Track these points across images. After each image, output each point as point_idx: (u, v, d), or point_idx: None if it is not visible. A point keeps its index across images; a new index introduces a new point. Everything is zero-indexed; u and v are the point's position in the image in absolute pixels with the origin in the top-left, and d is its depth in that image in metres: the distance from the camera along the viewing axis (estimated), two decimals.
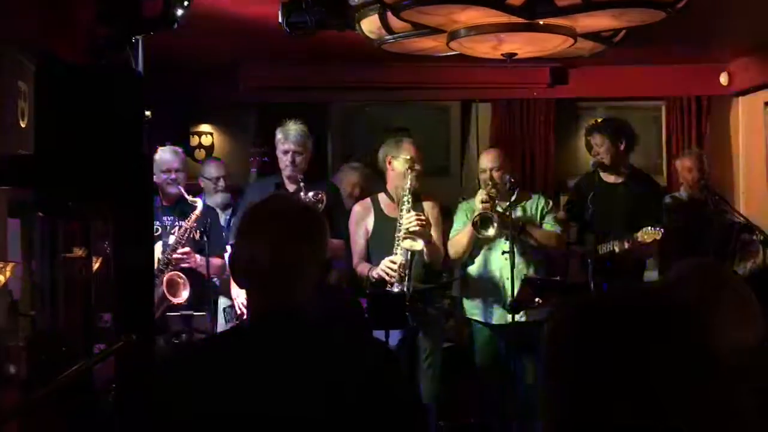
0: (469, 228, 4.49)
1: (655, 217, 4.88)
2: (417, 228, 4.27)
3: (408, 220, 4.29)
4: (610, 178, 4.80)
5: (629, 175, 4.94)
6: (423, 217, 4.30)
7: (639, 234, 4.62)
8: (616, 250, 4.66)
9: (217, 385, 1.57)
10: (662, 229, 4.60)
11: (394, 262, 4.23)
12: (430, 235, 4.37)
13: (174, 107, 6.18)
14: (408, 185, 4.38)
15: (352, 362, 1.63)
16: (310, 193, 4.31)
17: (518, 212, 4.61)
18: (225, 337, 1.98)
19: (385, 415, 1.59)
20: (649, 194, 5.03)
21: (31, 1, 4.24)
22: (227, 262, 4.31)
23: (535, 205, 4.66)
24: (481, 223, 4.37)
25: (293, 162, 4.46)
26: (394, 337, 4.19)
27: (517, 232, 4.45)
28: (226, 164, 5.76)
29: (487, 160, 4.62)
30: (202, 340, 3.51)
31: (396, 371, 1.72)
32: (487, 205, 4.40)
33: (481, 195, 4.46)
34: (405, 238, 4.27)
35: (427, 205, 4.47)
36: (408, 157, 4.44)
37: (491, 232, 4.39)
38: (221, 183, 5.51)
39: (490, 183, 4.49)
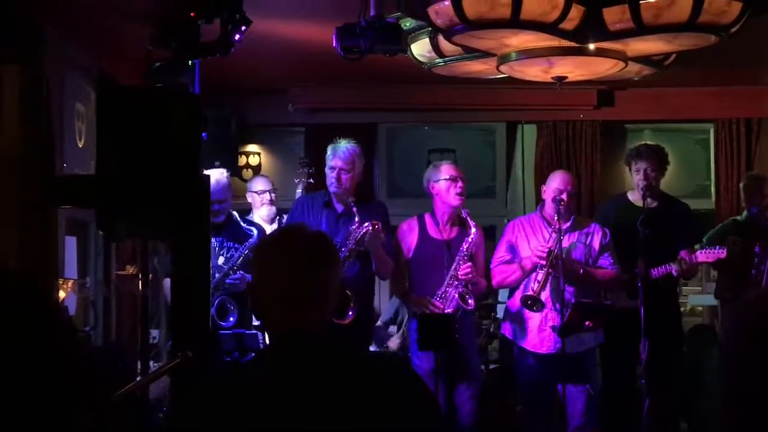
0: (518, 271, 4.49)
1: (692, 238, 4.85)
2: (469, 278, 4.38)
3: (465, 272, 4.38)
4: (645, 201, 4.75)
5: (660, 198, 4.92)
6: (473, 274, 4.40)
7: (701, 254, 4.59)
8: (673, 272, 4.63)
9: (239, 415, 1.60)
10: (725, 249, 4.56)
11: (437, 307, 4.36)
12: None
13: (222, 127, 6.29)
14: (455, 204, 4.45)
15: (376, 384, 1.65)
16: (366, 224, 4.30)
17: (577, 246, 4.52)
18: (246, 366, 2.00)
19: None
20: (685, 216, 4.99)
21: (89, 25, 4.37)
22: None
23: (591, 235, 4.56)
24: (532, 302, 4.36)
25: (338, 179, 4.46)
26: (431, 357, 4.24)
27: (575, 279, 4.41)
28: (273, 180, 5.84)
29: (558, 181, 4.53)
30: (224, 372, 3.54)
31: (422, 391, 1.73)
32: (543, 256, 4.36)
33: (537, 250, 4.40)
34: (459, 293, 4.38)
35: (473, 232, 4.47)
36: (447, 177, 4.49)
37: (542, 306, 4.37)
38: (267, 196, 5.57)
39: (555, 203, 4.43)
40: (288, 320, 1.69)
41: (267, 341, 4.60)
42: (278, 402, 1.60)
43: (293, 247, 1.74)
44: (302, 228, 1.86)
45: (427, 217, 4.61)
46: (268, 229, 5.23)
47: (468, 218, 4.46)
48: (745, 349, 1.66)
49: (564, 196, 4.41)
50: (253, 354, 4.24)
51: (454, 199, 4.49)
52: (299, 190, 5.61)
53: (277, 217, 5.65)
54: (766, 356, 1.63)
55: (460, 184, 4.49)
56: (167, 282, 4.51)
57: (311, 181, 5.64)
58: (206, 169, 4.74)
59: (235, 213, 4.71)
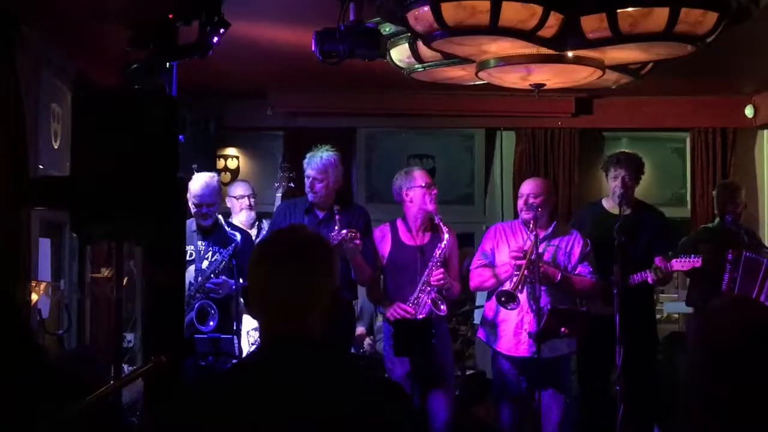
0: (492, 276, 4.51)
1: (667, 245, 4.89)
2: (442, 284, 4.39)
3: (437, 278, 4.38)
4: (621, 209, 4.78)
5: (635, 206, 4.96)
6: (446, 280, 4.40)
7: (676, 262, 4.63)
8: (649, 280, 4.66)
9: (230, 417, 1.59)
10: (700, 258, 4.60)
11: (408, 312, 4.37)
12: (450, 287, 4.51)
13: (201, 130, 6.26)
14: (430, 209, 4.47)
15: (361, 393, 1.65)
16: (344, 231, 4.30)
17: (556, 252, 4.52)
18: (238, 367, 2.00)
19: None
20: (660, 224, 5.03)
21: (66, 25, 4.33)
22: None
23: (572, 243, 4.57)
24: (506, 298, 4.37)
25: (312, 188, 4.48)
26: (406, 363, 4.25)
27: (553, 285, 4.43)
28: (252, 185, 5.82)
29: (526, 186, 4.59)
30: (215, 373, 3.52)
31: (405, 405, 1.74)
32: (521, 262, 4.37)
33: (512, 253, 4.42)
34: (432, 299, 4.38)
35: (446, 238, 4.48)
36: (423, 184, 4.50)
37: (516, 305, 4.38)
38: (246, 201, 5.56)
39: (529, 208, 4.46)
40: (281, 323, 1.68)
41: (241, 346, 4.59)
42: (265, 405, 1.59)
43: (288, 249, 1.72)
44: (300, 230, 1.85)
45: (399, 223, 4.62)
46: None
47: (440, 223, 4.47)
48: (709, 355, 1.68)
49: (531, 200, 4.44)
50: (232, 359, 4.23)
51: (429, 205, 4.51)
52: (279, 195, 5.61)
53: (257, 222, 5.64)
54: (728, 361, 1.65)
55: (434, 191, 4.51)
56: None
57: (292, 185, 5.65)
58: (184, 171, 4.73)
59: (220, 217, 4.71)
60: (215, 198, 4.69)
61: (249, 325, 4.98)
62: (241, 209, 5.57)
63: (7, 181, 2.77)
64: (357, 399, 1.63)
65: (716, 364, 1.55)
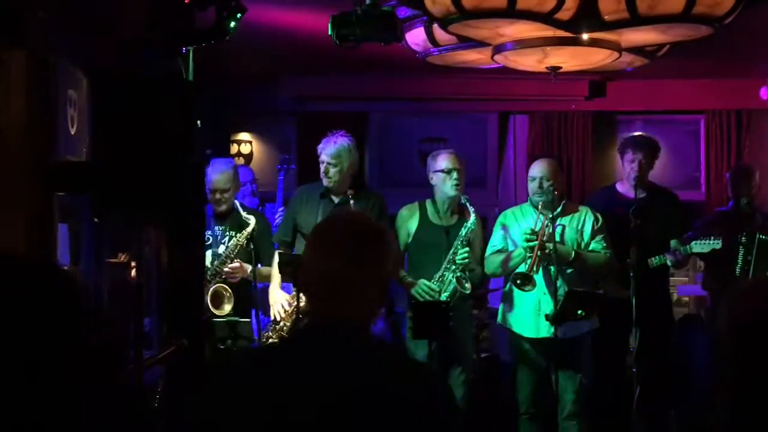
0: (507, 257, 4.52)
1: (683, 228, 4.88)
2: (466, 263, 4.41)
3: (462, 256, 4.40)
4: (636, 192, 4.77)
5: (649, 189, 4.95)
6: (470, 259, 4.42)
7: (695, 245, 4.64)
8: (668, 263, 4.66)
9: (267, 396, 1.61)
10: (720, 240, 4.60)
11: (434, 290, 4.39)
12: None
13: (214, 115, 6.27)
14: (451, 194, 4.47)
15: (400, 380, 1.67)
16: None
17: (565, 230, 4.54)
18: (280, 347, 2.01)
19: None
20: (675, 207, 5.03)
21: (82, 10, 4.33)
22: (276, 268, 4.39)
23: (583, 220, 4.60)
24: (521, 281, 4.38)
25: (326, 173, 4.50)
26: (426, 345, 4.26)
27: (568, 263, 4.43)
28: (254, 171, 5.87)
29: (537, 169, 4.60)
30: (257, 349, 3.54)
31: (436, 392, 1.76)
32: (534, 242, 4.36)
33: (526, 235, 4.43)
34: (456, 278, 4.41)
35: (471, 223, 4.50)
36: (442, 168, 4.53)
37: (532, 287, 4.39)
38: (247, 188, 5.59)
39: (539, 191, 4.47)
40: (329, 306, 1.70)
41: (262, 329, 4.61)
42: (305, 388, 1.61)
43: (347, 234, 1.72)
44: (360, 216, 1.86)
45: (428, 204, 4.66)
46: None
47: (468, 204, 4.50)
48: (739, 339, 1.68)
49: (545, 184, 4.46)
50: (251, 343, 4.26)
51: (450, 190, 4.53)
52: (281, 177, 5.66)
53: (259, 208, 5.66)
54: (760, 346, 1.66)
55: (454, 175, 4.51)
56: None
57: (293, 167, 5.70)
58: (199, 156, 4.74)
59: (236, 202, 4.73)
60: (229, 184, 4.70)
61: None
62: (243, 195, 5.60)
63: (32, 167, 2.79)
64: (398, 388, 1.64)
65: (745, 347, 1.55)
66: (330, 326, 1.69)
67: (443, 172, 4.54)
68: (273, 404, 1.60)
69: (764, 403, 1.58)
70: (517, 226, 4.60)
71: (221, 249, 4.61)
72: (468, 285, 4.45)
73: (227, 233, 4.66)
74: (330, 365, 1.63)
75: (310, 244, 1.78)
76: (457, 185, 4.52)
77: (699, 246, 4.66)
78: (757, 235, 4.86)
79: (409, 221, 4.63)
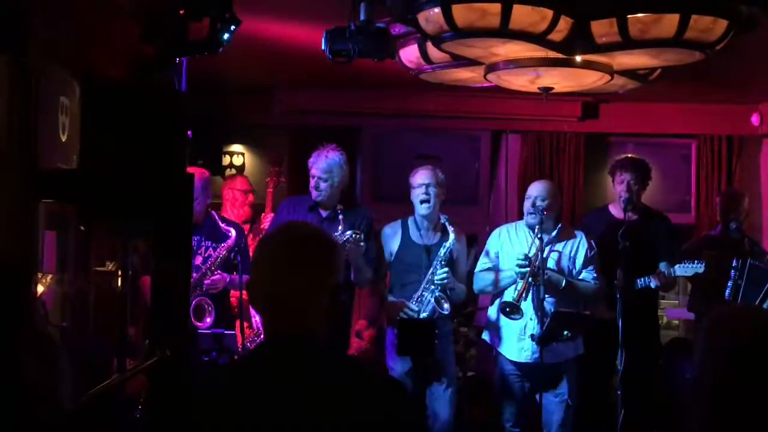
0: (497, 277, 4.51)
1: (672, 252, 4.89)
2: (445, 283, 4.40)
3: (441, 276, 4.39)
4: (626, 213, 4.78)
5: (642, 211, 4.96)
6: (450, 280, 4.41)
7: (679, 268, 4.65)
8: (652, 285, 4.67)
9: (229, 418, 1.59)
10: (703, 264, 4.61)
11: (412, 311, 4.39)
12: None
13: (207, 126, 6.26)
14: (425, 213, 4.48)
15: (362, 392, 1.65)
16: (348, 232, 4.30)
17: (561, 258, 4.51)
18: (237, 365, 2.00)
19: None
20: (666, 230, 5.04)
21: (76, 18, 4.33)
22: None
23: (576, 247, 4.56)
24: (510, 309, 4.37)
25: (317, 187, 4.49)
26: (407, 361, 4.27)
27: (556, 291, 4.42)
28: (251, 181, 5.86)
29: (534, 189, 4.56)
30: (214, 371, 3.52)
31: (404, 401, 1.73)
32: (525, 268, 4.35)
33: (517, 261, 4.41)
34: (435, 297, 4.39)
35: (454, 237, 4.48)
36: (414, 184, 4.52)
37: (520, 316, 4.38)
38: (245, 197, 5.59)
39: (536, 211, 4.45)
40: (282, 319, 1.68)
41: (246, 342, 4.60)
42: (265, 405, 1.59)
43: (293, 246, 1.70)
44: (304, 227, 1.84)
45: (411, 222, 4.63)
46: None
47: (447, 224, 4.47)
48: (716, 362, 1.68)
49: (539, 203, 4.43)
50: (236, 355, 4.23)
51: (418, 206, 4.52)
52: (270, 189, 5.64)
53: (252, 221, 5.65)
54: (736, 369, 1.66)
55: (422, 191, 4.48)
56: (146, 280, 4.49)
57: (282, 180, 5.69)
58: (190, 167, 4.73)
59: (213, 212, 4.70)
60: (197, 193, 4.64)
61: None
62: (243, 205, 5.59)
63: (18, 174, 2.78)
64: (357, 398, 1.62)
65: (723, 371, 1.56)
66: (283, 341, 1.67)
67: (413, 188, 4.54)
68: (236, 423, 1.59)
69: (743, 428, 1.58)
70: (510, 246, 4.58)
71: (198, 260, 4.58)
72: (447, 305, 4.41)
73: (202, 243, 4.62)
74: (286, 380, 1.62)
75: (256, 259, 1.75)
76: (423, 201, 4.49)
77: (682, 269, 4.68)
78: (749, 261, 4.88)
79: (391, 240, 4.61)
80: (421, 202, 4.49)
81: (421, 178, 4.53)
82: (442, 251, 4.44)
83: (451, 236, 4.45)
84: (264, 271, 1.70)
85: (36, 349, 2.17)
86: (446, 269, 4.41)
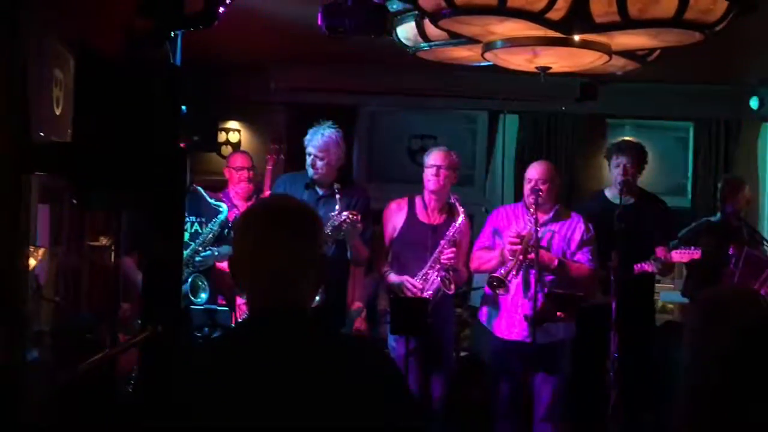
0: (495, 258, 4.50)
1: (668, 236, 4.89)
2: (452, 263, 4.41)
3: (448, 256, 4.39)
4: (622, 196, 4.77)
5: (638, 195, 4.95)
6: (456, 260, 4.41)
7: (675, 253, 4.65)
8: (648, 269, 4.67)
9: (223, 387, 1.58)
10: (699, 250, 4.61)
11: (417, 287, 4.39)
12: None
13: (203, 102, 6.22)
14: (429, 188, 4.50)
15: (353, 363, 1.64)
16: (345, 213, 4.29)
17: (554, 237, 4.50)
18: (226, 337, 1.98)
19: (385, 415, 1.60)
20: (661, 213, 5.03)
21: None
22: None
23: (573, 228, 4.55)
24: (496, 283, 4.37)
25: (313, 165, 4.47)
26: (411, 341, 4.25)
27: (550, 271, 4.41)
28: (252, 157, 5.81)
29: (533, 171, 4.56)
30: (204, 342, 3.51)
31: (395, 372, 1.72)
32: (518, 247, 4.36)
33: (509, 238, 4.41)
34: (441, 277, 4.39)
35: (461, 219, 4.49)
36: (428, 164, 4.53)
37: (505, 290, 4.38)
38: (245, 174, 5.55)
39: (532, 193, 4.44)
40: (268, 293, 1.66)
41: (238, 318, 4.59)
42: (252, 382, 1.57)
43: (274, 219, 1.68)
44: (285, 199, 1.82)
45: (418, 200, 4.65)
46: (242, 206, 5.21)
47: (457, 204, 4.49)
48: (709, 346, 1.68)
49: (539, 186, 4.43)
50: (225, 330, 4.23)
51: (431, 184, 4.55)
52: (269, 167, 5.61)
53: (255, 196, 5.62)
54: (729, 352, 1.65)
55: (433, 171, 4.50)
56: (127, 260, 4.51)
57: (282, 156, 5.65)
58: (186, 144, 4.71)
59: (200, 188, 4.67)
60: None
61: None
62: (240, 181, 5.55)
63: (10, 146, 2.75)
64: (346, 370, 1.61)
65: (727, 352, 1.56)
66: (270, 315, 1.65)
67: (426, 167, 4.55)
68: (222, 397, 1.58)
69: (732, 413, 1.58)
70: (507, 226, 4.58)
71: (186, 237, 4.56)
72: (452, 286, 4.44)
73: (188, 219, 4.59)
74: (275, 354, 1.60)
75: (236, 235, 1.72)
76: (435, 181, 4.50)
77: (678, 255, 4.68)
78: (745, 249, 4.88)
79: (396, 215, 4.62)
80: (429, 182, 4.49)
81: (433, 159, 4.55)
82: (450, 231, 4.44)
83: (461, 217, 4.47)
84: (245, 246, 1.68)
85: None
86: (453, 249, 4.42)
